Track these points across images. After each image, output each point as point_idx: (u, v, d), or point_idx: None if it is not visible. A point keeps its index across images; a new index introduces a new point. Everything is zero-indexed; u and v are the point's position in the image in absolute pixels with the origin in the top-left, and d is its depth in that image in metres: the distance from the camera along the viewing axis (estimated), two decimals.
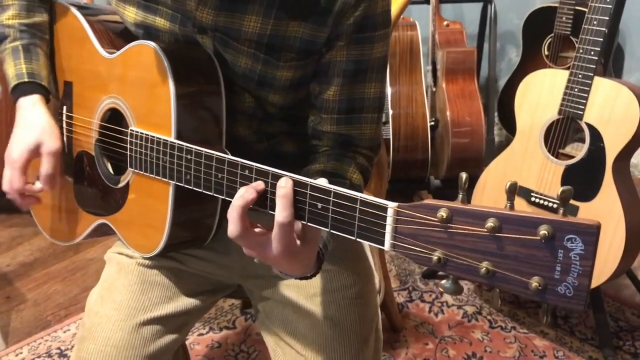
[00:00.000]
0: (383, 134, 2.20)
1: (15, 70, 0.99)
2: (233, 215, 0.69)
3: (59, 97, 1.05)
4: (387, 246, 0.60)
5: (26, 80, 0.98)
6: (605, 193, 1.46)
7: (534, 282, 0.50)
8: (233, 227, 0.70)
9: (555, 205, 1.55)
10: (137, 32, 0.94)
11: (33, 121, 0.96)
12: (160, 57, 0.84)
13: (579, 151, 1.51)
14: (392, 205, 0.59)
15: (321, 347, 0.91)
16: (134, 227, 0.94)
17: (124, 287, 0.95)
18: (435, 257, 0.55)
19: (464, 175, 0.54)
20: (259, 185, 0.71)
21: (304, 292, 0.95)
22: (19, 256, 2.15)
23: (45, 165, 0.95)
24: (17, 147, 0.95)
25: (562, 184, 1.54)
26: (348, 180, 0.87)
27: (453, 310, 1.79)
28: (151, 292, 0.95)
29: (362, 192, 0.89)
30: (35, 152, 0.95)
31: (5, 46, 1.01)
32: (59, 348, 1.69)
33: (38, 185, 0.96)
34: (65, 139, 1.04)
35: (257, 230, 0.72)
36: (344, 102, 0.90)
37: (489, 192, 1.70)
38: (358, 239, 0.64)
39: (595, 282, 1.49)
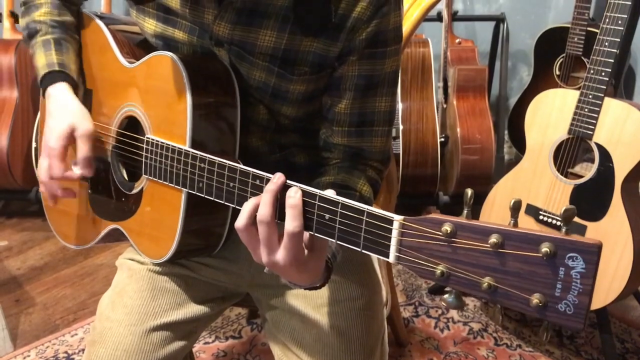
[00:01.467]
0: (393, 149, 2.22)
1: (47, 59, 0.99)
2: (246, 208, 0.73)
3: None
4: (391, 258, 0.61)
5: (57, 69, 0.98)
6: (614, 213, 1.46)
7: (535, 298, 0.51)
8: (240, 219, 0.72)
9: None
10: (156, 43, 0.96)
11: (63, 108, 0.96)
12: (178, 67, 0.86)
13: (588, 171, 1.52)
14: (397, 218, 0.60)
15: (327, 358, 0.92)
16: (146, 233, 0.96)
17: (134, 292, 0.96)
18: (439, 271, 0.56)
19: (469, 191, 0.55)
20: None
21: (312, 303, 0.96)
22: (30, 260, 2.17)
23: (82, 149, 0.94)
24: (53, 135, 0.94)
25: (571, 204, 1.54)
26: (358, 192, 0.88)
27: (459, 327, 1.79)
28: (161, 298, 0.96)
29: (371, 204, 0.90)
30: (70, 138, 0.94)
31: (36, 40, 1.02)
32: (66, 352, 1.70)
33: (77, 170, 0.95)
34: None
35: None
36: (355, 115, 0.91)
37: (497, 209, 1.71)
38: (364, 251, 0.65)
39: (602, 302, 1.49)
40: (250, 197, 0.76)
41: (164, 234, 0.91)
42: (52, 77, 0.99)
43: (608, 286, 1.47)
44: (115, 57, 0.99)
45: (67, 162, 0.96)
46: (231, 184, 0.78)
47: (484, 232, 0.53)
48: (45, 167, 0.95)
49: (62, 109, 0.96)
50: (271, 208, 0.70)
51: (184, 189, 0.86)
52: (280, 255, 0.71)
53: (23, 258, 2.19)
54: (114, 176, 1.00)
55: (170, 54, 0.88)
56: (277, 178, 0.71)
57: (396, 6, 0.86)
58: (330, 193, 0.69)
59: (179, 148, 0.85)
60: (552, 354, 1.67)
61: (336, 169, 0.93)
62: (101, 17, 1.05)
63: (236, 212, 0.90)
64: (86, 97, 1.05)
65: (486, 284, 0.53)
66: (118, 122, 0.98)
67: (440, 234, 0.55)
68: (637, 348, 1.71)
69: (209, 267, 1.00)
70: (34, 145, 2.25)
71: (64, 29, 1.04)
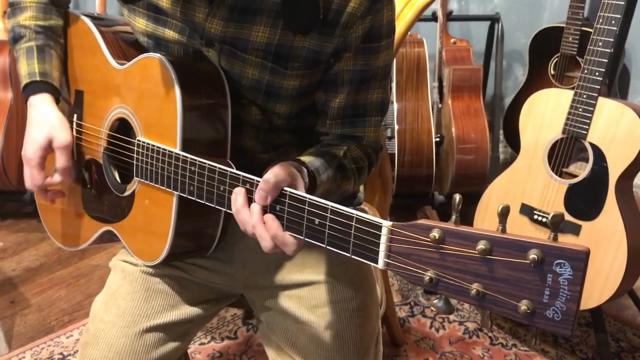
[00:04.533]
0: (388, 149, 2.22)
1: (28, 69, 1.01)
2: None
3: (70, 104, 1.07)
4: (380, 264, 0.61)
5: (38, 79, 1.00)
6: (608, 212, 1.46)
7: (523, 305, 0.51)
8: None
9: None
10: (147, 42, 0.96)
11: (42, 118, 0.98)
12: (168, 69, 0.86)
13: (582, 170, 1.52)
14: (386, 224, 0.60)
15: (321, 359, 0.92)
16: (138, 235, 0.95)
17: (128, 294, 0.96)
18: (427, 277, 0.56)
19: (457, 196, 0.55)
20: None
21: (306, 304, 0.96)
22: (25, 261, 2.17)
23: (60, 160, 0.97)
24: (30, 146, 0.97)
25: (565, 203, 1.54)
26: (346, 147, 0.92)
27: (454, 326, 1.79)
28: (155, 300, 0.96)
29: (361, 164, 0.91)
30: (47, 148, 0.97)
31: (20, 45, 1.03)
32: (61, 353, 1.70)
33: (57, 177, 0.98)
34: (74, 146, 1.05)
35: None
36: (349, 108, 0.93)
37: (492, 209, 1.71)
38: (353, 256, 0.65)
39: (597, 301, 1.49)
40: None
41: (156, 236, 0.91)
42: (34, 87, 1.00)
43: (602, 285, 1.48)
44: (105, 59, 0.98)
45: (49, 169, 0.99)
46: (222, 188, 0.78)
47: (472, 238, 0.52)
48: (28, 176, 0.98)
49: (41, 121, 0.98)
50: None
51: (175, 192, 0.86)
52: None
53: (18, 259, 2.18)
54: (106, 178, 1.00)
55: (159, 55, 0.87)
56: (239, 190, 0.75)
57: (389, 0, 0.87)
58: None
59: (169, 151, 0.85)
60: (547, 353, 1.68)
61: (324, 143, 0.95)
62: (92, 18, 1.04)
63: (229, 213, 0.91)
64: (77, 99, 1.05)
65: (475, 290, 0.53)
66: (109, 124, 0.98)
67: (429, 240, 0.55)
68: (631, 347, 1.71)
69: (202, 269, 1.00)
70: None
71: (48, 35, 1.04)
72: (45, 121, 0.98)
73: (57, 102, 1.02)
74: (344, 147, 0.92)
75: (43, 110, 0.99)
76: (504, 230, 0.53)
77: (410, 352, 1.68)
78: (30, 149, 0.97)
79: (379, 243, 0.61)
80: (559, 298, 0.49)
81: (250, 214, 0.74)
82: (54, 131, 0.97)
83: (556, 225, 0.50)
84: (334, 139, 0.96)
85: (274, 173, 0.73)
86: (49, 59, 1.03)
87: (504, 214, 0.52)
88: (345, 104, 0.92)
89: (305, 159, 0.84)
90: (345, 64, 0.88)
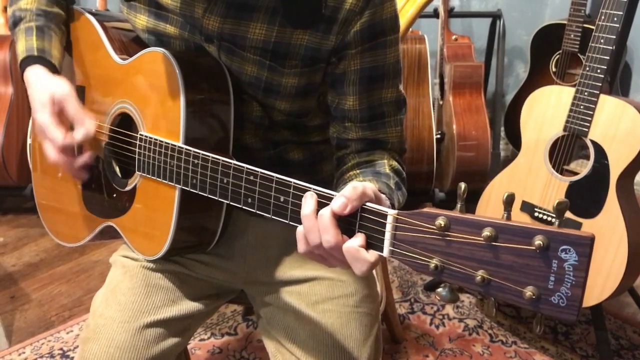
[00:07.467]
0: None
1: (26, 45, 0.97)
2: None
3: None
4: (385, 253, 0.61)
5: (35, 54, 0.96)
6: (609, 210, 1.46)
7: (528, 291, 0.51)
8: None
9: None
10: (148, 38, 0.95)
11: (39, 85, 0.93)
12: (172, 64, 0.85)
13: (583, 168, 1.52)
14: (391, 213, 0.60)
15: (321, 355, 0.92)
16: (139, 230, 0.95)
17: (128, 289, 0.96)
18: (433, 265, 0.56)
19: (462, 185, 0.55)
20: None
21: (306, 300, 0.96)
22: (25, 256, 2.17)
23: (69, 109, 0.91)
24: (38, 114, 0.92)
25: None
26: (386, 160, 0.88)
27: (454, 323, 1.79)
28: (155, 295, 0.96)
29: (403, 176, 0.88)
30: (54, 106, 0.91)
31: (19, 27, 1.00)
32: (61, 349, 1.70)
33: (78, 132, 0.90)
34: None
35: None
36: (365, 110, 0.90)
37: (493, 206, 1.71)
38: None
39: (597, 299, 1.49)
40: (243, 193, 0.75)
41: (157, 230, 0.91)
42: (30, 61, 0.96)
43: (603, 283, 1.48)
44: (108, 54, 0.98)
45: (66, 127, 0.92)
46: (225, 180, 0.78)
47: (478, 225, 0.53)
48: (49, 144, 0.92)
49: (39, 86, 0.93)
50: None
51: (178, 186, 0.86)
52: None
53: (18, 254, 2.18)
54: (107, 173, 0.99)
55: (163, 50, 0.87)
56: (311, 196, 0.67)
57: None
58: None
59: (172, 144, 0.85)
60: (547, 351, 1.68)
61: (356, 155, 0.92)
62: (94, 14, 1.04)
63: (230, 209, 0.91)
64: (78, 95, 1.05)
65: (480, 277, 0.53)
66: (111, 120, 0.98)
67: (434, 227, 0.55)
68: (631, 344, 1.71)
69: (203, 264, 1.00)
70: (29, 141, 2.24)
71: (49, 18, 1.01)
72: (41, 86, 0.93)
73: None
74: (384, 162, 0.89)
75: (40, 79, 0.94)
76: (509, 218, 0.53)
77: (410, 349, 1.68)
78: (39, 116, 0.91)
79: (384, 231, 0.61)
80: (565, 284, 0.49)
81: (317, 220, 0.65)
82: (52, 89, 0.92)
83: (561, 212, 0.50)
84: (358, 150, 0.93)
85: (362, 184, 0.66)
86: (48, 38, 0.99)
87: (509, 201, 0.52)
88: (360, 106, 0.90)
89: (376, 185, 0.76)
90: (350, 62, 0.87)
